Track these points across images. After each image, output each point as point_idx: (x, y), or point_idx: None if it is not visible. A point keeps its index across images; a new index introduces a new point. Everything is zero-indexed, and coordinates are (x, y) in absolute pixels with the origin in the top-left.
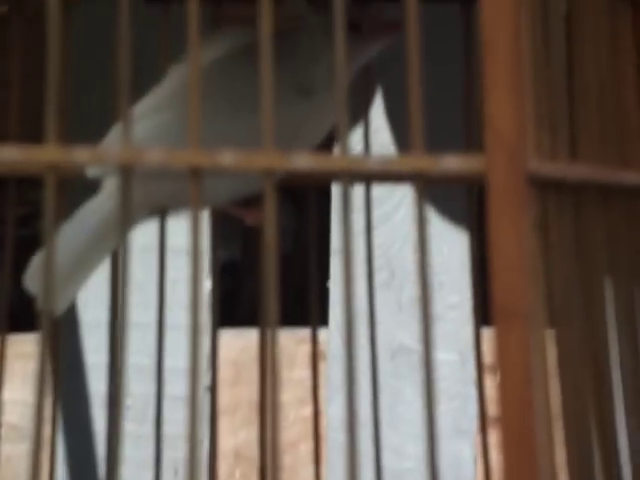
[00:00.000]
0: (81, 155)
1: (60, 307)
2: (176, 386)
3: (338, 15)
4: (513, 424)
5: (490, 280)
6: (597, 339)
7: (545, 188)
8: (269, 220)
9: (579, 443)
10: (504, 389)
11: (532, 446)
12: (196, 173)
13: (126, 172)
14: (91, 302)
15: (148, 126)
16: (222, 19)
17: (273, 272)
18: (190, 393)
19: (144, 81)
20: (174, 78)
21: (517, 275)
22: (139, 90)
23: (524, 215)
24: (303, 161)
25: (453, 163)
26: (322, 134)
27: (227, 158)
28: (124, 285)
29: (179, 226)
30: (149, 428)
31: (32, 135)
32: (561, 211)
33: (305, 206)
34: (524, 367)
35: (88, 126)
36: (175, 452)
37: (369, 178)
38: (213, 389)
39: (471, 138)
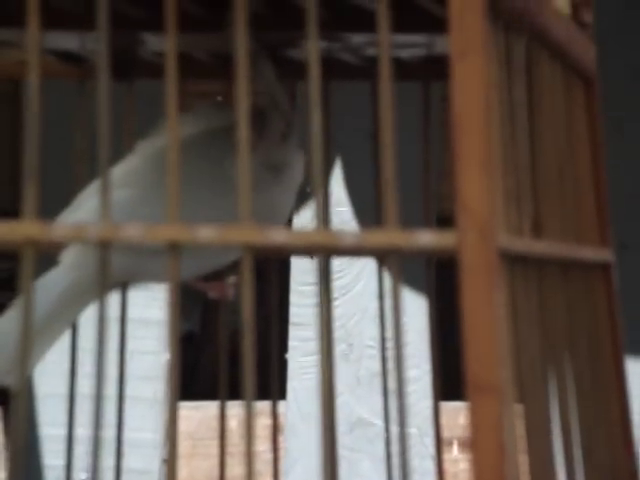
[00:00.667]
0: (60, 231)
1: (18, 380)
2: (132, 459)
3: (314, 91)
4: None
5: (453, 354)
6: (563, 411)
7: (513, 263)
8: (247, 293)
9: None
10: (477, 462)
11: None
12: (174, 248)
13: (105, 247)
14: (46, 373)
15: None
16: (186, 95)
17: (250, 343)
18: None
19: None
20: (139, 154)
21: (490, 348)
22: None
23: (495, 289)
24: (280, 236)
25: (426, 239)
26: (288, 209)
27: (205, 233)
28: (102, 354)
29: (137, 297)
30: None
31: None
32: (527, 285)
33: (264, 278)
34: (497, 439)
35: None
36: None
37: (343, 253)
38: (170, 462)
39: (429, 213)
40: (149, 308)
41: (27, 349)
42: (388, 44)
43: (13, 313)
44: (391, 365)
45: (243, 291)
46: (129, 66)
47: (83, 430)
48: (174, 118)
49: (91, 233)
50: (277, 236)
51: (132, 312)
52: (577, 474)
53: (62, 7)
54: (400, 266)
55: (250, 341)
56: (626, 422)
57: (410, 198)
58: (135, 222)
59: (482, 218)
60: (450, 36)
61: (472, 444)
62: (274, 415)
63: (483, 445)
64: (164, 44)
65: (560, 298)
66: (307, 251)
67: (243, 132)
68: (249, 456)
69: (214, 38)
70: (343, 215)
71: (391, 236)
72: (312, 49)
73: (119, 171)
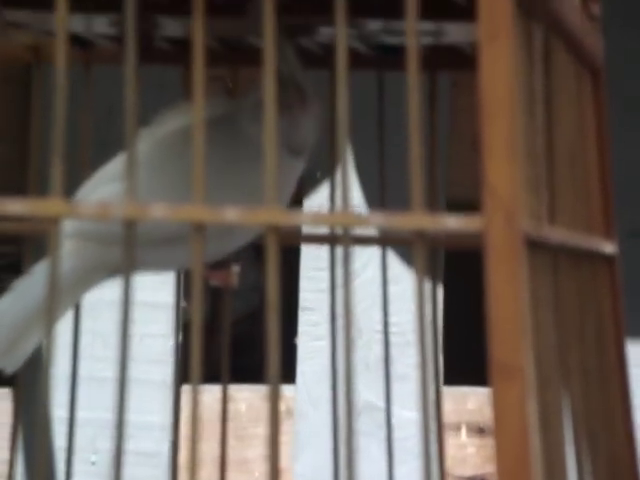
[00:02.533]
0: (87, 209)
1: (16, 363)
2: (142, 442)
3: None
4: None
5: (485, 336)
6: (573, 398)
7: (535, 248)
8: (272, 275)
9: None
10: (501, 446)
11: None
12: (200, 229)
13: (130, 227)
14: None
15: (119, 188)
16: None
17: (275, 327)
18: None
19: (114, 142)
20: (143, 143)
21: (515, 332)
22: (109, 150)
23: (520, 273)
24: (307, 218)
25: (453, 223)
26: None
27: (231, 214)
28: (126, 339)
29: (145, 281)
30: None
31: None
32: (545, 271)
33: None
34: (522, 423)
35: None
36: None
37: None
38: (175, 445)
39: (436, 199)
40: (158, 291)
41: (52, 331)
42: (415, 32)
43: (11, 296)
44: (398, 351)
45: (268, 274)
46: (144, 51)
47: (86, 413)
48: (200, 102)
49: (117, 212)
50: (303, 218)
51: (141, 295)
52: (584, 461)
53: None
54: (427, 250)
55: (275, 323)
56: (627, 409)
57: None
58: (160, 202)
59: (508, 203)
60: (479, 20)
61: (496, 428)
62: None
63: (507, 429)
64: (177, 28)
65: (571, 286)
66: (330, 236)
67: (270, 116)
68: (273, 439)
69: (228, 23)
70: (352, 199)
71: (419, 219)
72: (340, 36)
73: (120, 162)
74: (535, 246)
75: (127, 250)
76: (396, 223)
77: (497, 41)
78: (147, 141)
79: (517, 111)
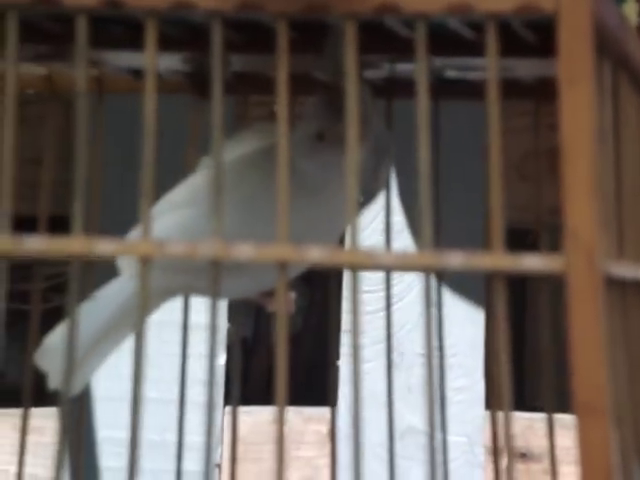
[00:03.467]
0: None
1: (77, 387)
2: (189, 462)
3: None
4: None
5: (569, 375)
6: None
7: (610, 286)
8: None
9: None
10: None
11: None
12: (283, 266)
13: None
14: (103, 376)
15: (173, 220)
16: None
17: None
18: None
19: (169, 173)
20: (204, 172)
21: (598, 370)
22: (164, 181)
23: (601, 313)
24: (389, 258)
25: (533, 263)
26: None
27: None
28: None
29: (195, 302)
30: None
31: (63, 218)
32: (617, 307)
33: (316, 284)
34: (606, 460)
35: (112, 216)
36: None
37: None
38: (232, 465)
39: (497, 232)
40: (202, 313)
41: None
42: (496, 68)
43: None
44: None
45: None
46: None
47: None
48: (285, 130)
49: (205, 251)
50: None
51: (181, 316)
52: None
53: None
54: (506, 288)
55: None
56: None
57: (466, 209)
58: (245, 241)
59: (589, 243)
60: (559, 63)
61: (581, 465)
62: (332, 421)
63: (593, 467)
64: (240, 63)
65: (638, 318)
66: (418, 271)
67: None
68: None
69: (305, 60)
70: (397, 225)
71: (498, 259)
72: (421, 71)
73: (184, 189)
74: (611, 284)
75: (213, 288)
76: (475, 263)
77: (578, 86)
78: (208, 170)
79: (597, 154)
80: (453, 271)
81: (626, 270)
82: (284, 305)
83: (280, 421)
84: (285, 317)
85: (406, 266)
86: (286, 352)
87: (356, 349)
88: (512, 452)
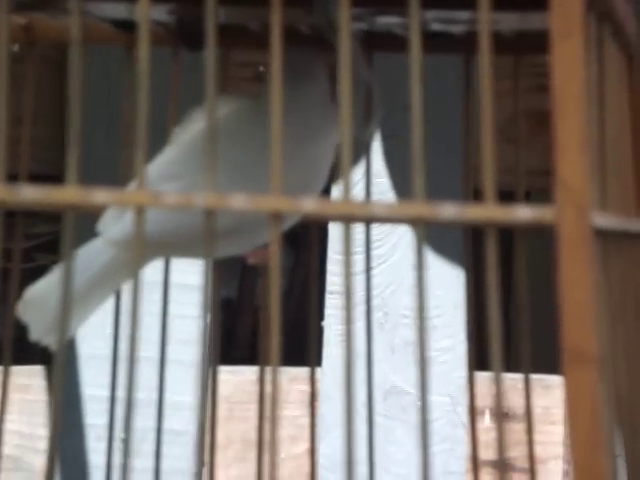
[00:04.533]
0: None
1: (56, 341)
2: (171, 421)
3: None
4: (584, 463)
5: (557, 324)
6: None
7: (600, 237)
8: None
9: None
10: (575, 433)
11: None
12: (277, 218)
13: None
14: (89, 335)
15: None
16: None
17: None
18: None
19: (155, 127)
20: (179, 144)
21: (588, 320)
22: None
23: (591, 263)
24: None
25: (524, 214)
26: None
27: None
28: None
29: (180, 263)
30: (144, 462)
31: (43, 173)
32: (600, 256)
33: (302, 245)
34: (595, 410)
35: (100, 168)
36: None
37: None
38: (213, 425)
39: (468, 186)
40: (189, 274)
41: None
42: (488, 21)
43: (54, 276)
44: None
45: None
46: (199, 37)
47: (123, 392)
48: (279, 90)
49: (199, 201)
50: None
51: (172, 277)
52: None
53: None
54: (496, 239)
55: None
56: None
57: (444, 170)
58: (238, 192)
59: (580, 195)
60: (551, 18)
61: (569, 415)
62: (312, 381)
63: (581, 413)
64: (231, 16)
65: (618, 268)
66: (411, 222)
67: (346, 101)
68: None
69: (297, 15)
70: (382, 186)
71: (491, 210)
72: (414, 24)
73: (161, 164)
74: (598, 234)
75: (208, 239)
76: (467, 214)
77: (570, 40)
78: (182, 141)
79: (587, 106)
80: (445, 222)
81: (609, 221)
82: (277, 259)
83: (274, 383)
84: (278, 271)
85: (399, 217)
86: (278, 306)
87: (348, 309)
88: (500, 413)
